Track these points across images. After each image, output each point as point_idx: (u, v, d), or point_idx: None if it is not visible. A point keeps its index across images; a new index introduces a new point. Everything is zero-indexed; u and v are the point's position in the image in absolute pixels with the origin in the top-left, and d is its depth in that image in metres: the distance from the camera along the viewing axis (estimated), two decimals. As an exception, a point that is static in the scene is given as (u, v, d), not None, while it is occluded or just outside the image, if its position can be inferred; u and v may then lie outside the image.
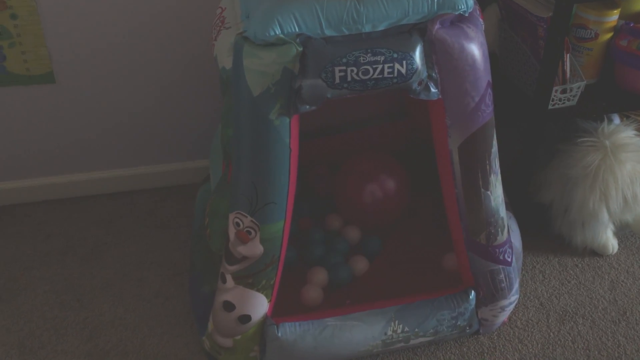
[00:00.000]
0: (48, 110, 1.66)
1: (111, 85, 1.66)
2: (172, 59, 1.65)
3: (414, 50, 1.05)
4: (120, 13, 1.56)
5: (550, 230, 1.61)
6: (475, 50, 1.09)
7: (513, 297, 1.35)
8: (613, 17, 1.45)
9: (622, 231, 1.64)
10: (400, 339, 1.30)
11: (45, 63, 1.57)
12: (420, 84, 1.09)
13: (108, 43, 1.59)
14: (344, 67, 1.04)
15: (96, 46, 1.59)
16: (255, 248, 1.17)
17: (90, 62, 1.61)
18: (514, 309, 1.45)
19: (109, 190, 1.82)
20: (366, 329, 1.28)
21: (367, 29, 1.05)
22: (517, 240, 1.41)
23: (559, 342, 1.41)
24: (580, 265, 1.59)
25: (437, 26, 1.06)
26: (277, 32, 1.03)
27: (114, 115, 1.71)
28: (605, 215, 1.51)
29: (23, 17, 1.50)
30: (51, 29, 1.54)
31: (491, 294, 1.31)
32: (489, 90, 1.15)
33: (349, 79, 1.05)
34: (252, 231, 1.16)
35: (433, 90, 1.10)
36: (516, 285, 1.34)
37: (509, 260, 1.30)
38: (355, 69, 1.04)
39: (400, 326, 1.29)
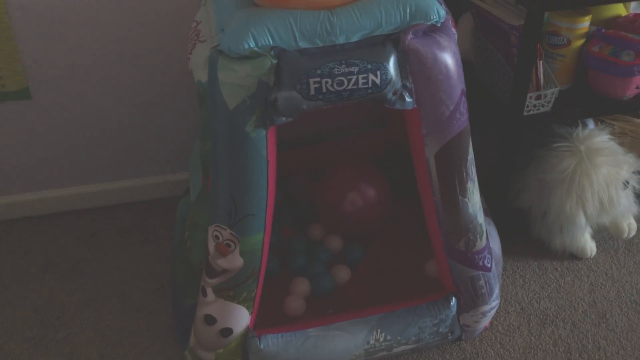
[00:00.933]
0: (24, 127, 1.65)
1: (88, 100, 1.65)
2: (149, 72, 1.65)
3: (387, 60, 1.06)
4: (95, 29, 1.55)
5: (530, 234, 1.63)
6: (449, 59, 1.11)
7: (494, 303, 1.36)
8: (584, 23, 1.47)
9: (600, 234, 1.67)
10: (382, 347, 1.30)
11: (20, 79, 1.56)
12: (395, 93, 1.10)
13: (84, 58, 1.59)
14: (318, 79, 1.04)
15: (72, 62, 1.58)
16: (235, 261, 1.17)
17: (66, 78, 1.60)
18: (495, 314, 1.46)
19: (88, 205, 1.80)
20: (349, 339, 1.28)
21: (341, 40, 1.06)
22: (496, 246, 1.43)
23: (540, 346, 1.42)
24: (559, 268, 1.61)
25: (410, 36, 1.08)
26: (252, 45, 1.03)
27: (92, 129, 1.70)
28: (582, 219, 1.53)
29: (-3, 33, 1.49)
30: (26, 45, 1.53)
31: (472, 300, 1.32)
32: (464, 99, 1.16)
33: (324, 90, 1.05)
34: (231, 244, 1.15)
35: (408, 99, 1.11)
36: (497, 291, 1.35)
37: (489, 266, 1.31)
38: (329, 80, 1.05)
39: (383, 335, 1.29)
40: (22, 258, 1.65)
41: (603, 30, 1.51)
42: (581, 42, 1.50)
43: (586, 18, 1.47)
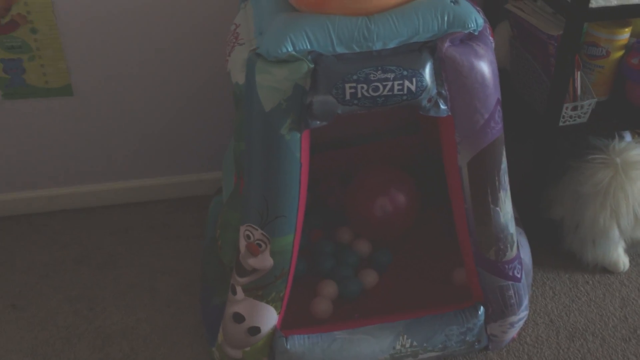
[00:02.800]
0: (65, 122, 1.70)
1: (128, 99, 1.69)
2: (188, 73, 1.68)
3: (423, 67, 1.07)
4: (138, 29, 1.59)
5: (561, 246, 1.61)
6: (485, 68, 1.11)
7: (522, 314, 1.34)
8: (624, 35, 1.46)
9: (633, 248, 1.64)
10: (408, 353, 1.30)
11: (63, 76, 1.61)
12: (429, 101, 1.10)
13: (125, 57, 1.63)
14: (354, 84, 1.05)
15: (113, 60, 1.62)
16: (265, 261, 1.18)
17: (107, 76, 1.64)
18: (523, 325, 1.45)
19: (123, 200, 1.85)
20: (375, 343, 1.28)
21: (378, 46, 1.07)
22: (527, 257, 1.41)
23: (568, 360, 1.41)
24: (590, 282, 1.59)
25: (447, 44, 1.08)
26: (289, 49, 1.05)
27: (130, 127, 1.74)
28: (616, 233, 1.51)
29: (43, 31, 1.54)
30: (70, 43, 1.57)
31: (500, 310, 1.31)
32: (498, 108, 1.16)
33: (359, 95, 1.06)
34: (262, 244, 1.17)
35: (442, 107, 1.11)
36: (526, 302, 1.34)
37: (519, 276, 1.30)
38: (365, 86, 1.06)
39: (409, 341, 1.29)
40: (58, 250, 1.70)
41: (643, 42, 1.49)
42: (620, 53, 1.48)
43: (626, 29, 1.45)
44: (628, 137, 1.59)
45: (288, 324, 1.30)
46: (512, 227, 1.26)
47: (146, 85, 1.68)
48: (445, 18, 1.08)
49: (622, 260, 1.59)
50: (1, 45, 1.53)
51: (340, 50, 1.06)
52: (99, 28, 1.57)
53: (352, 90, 1.06)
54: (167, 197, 1.86)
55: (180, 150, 1.81)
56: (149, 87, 1.69)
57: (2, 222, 1.78)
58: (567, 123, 1.46)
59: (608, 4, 1.32)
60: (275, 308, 1.24)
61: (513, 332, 1.37)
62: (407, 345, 1.29)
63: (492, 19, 1.43)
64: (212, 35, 1.62)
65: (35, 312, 1.52)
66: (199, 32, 1.62)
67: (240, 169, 1.22)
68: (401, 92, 1.07)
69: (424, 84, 1.08)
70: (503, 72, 1.36)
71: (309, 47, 1.05)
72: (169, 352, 1.43)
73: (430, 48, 1.07)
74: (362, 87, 1.05)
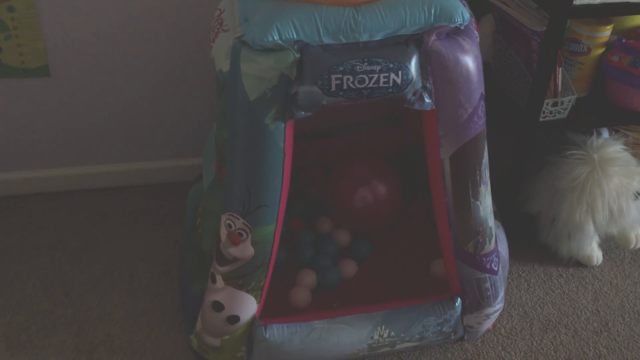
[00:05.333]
0: (42, 104, 1.66)
1: (106, 81, 1.66)
2: (168, 56, 1.66)
3: (409, 60, 1.07)
4: (117, 9, 1.56)
5: (537, 240, 1.64)
6: (470, 63, 1.11)
7: (498, 305, 1.37)
8: (606, 32, 1.47)
9: (607, 243, 1.67)
10: (386, 343, 1.31)
11: (40, 56, 1.57)
12: (414, 94, 1.10)
13: (104, 39, 1.60)
14: (340, 75, 1.05)
15: (92, 41, 1.59)
16: (246, 250, 1.18)
17: (85, 57, 1.61)
18: (498, 317, 1.47)
19: (101, 185, 1.82)
20: (353, 333, 1.29)
21: (365, 38, 1.06)
22: (504, 249, 1.43)
23: (541, 351, 1.43)
24: (564, 275, 1.62)
25: (433, 38, 1.08)
26: (276, 38, 1.04)
27: (108, 110, 1.71)
28: (591, 228, 1.53)
29: (20, 10, 1.50)
30: (48, 22, 1.54)
31: (477, 302, 1.33)
32: (482, 103, 1.16)
33: (345, 87, 1.06)
34: (243, 233, 1.17)
35: (427, 100, 1.12)
36: (501, 294, 1.36)
37: (496, 269, 1.32)
38: (351, 78, 1.05)
39: (387, 331, 1.30)
40: (33, 234, 1.67)
41: (624, 40, 1.51)
42: (601, 50, 1.50)
43: (608, 27, 1.47)
44: (606, 133, 1.62)
45: (266, 313, 1.30)
46: (491, 221, 1.28)
47: (125, 68, 1.65)
48: (432, 11, 1.08)
49: (596, 254, 1.63)
50: (-24, 23, 1.49)
51: (326, 40, 1.05)
52: (78, 8, 1.54)
53: (338, 82, 1.05)
54: (146, 183, 1.84)
55: (160, 135, 1.78)
56: (129, 70, 1.66)
57: (-25, 204, 1.75)
58: (547, 118, 1.47)
59: (592, 1, 1.33)
60: (255, 297, 1.24)
61: (488, 324, 1.40)
62: (385, 335, 1.30)
63: (476, 11, 1.43)
64: (194, 18, 1.60)
65: (9, 297, 1.50)
66: (181, 16, 1.60)
67: (221, 156, 1.21)
68: (387, 85, 1.07)
69: (409, 77, 1.08)
70: (486, 66, 1.37)
71: (295, 36, 1.04)
72: (146, 338, 1.42)
73: (416, 41, 1.07)
74: (348, 79, 1.05)
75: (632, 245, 1.63)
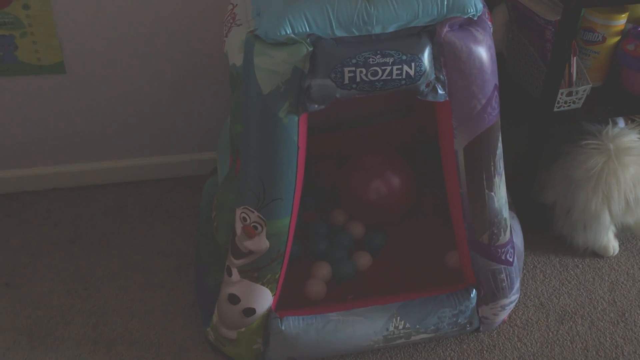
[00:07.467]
0: (58, 100, 1.68)
1: (121, 77, 1.67)
2: (183, 51, 1.66)
3: (422, 52, 1.07)
4: (132, 6, 1.57)
5: (552, 230, 1.63)
6: (483, 53, 1.11)
7: (513, 297, 1.36)
8: (621, 21, 1.46)
9: (623, 233, 1.66)
10: (401, 335, 1.32)
11: (56, 53, 1.59)
12: (428, 85, 1.10)
13: (119, 35, 1.61)
14: (353, 68, 1.05)
15: (107, 38, 1.60)
16: (261, 243, 1.19)
17: (100, 54, 1.62)
18: (514, 308, 1.47)
19: (117, 180, 1.84)
20: (368, 325, 1.30)
21: (377, 30, 1.06)
22: (519, 240, 1.43)
23: (557, 342, 1.43)
24: (580, 266, 1.61)
25: (446, 29, 1.07)
26: (288, 32, 1.04)
27: (123, 106, 1.73)
28: (607, 218, 1.52)
29: (35, 7, 1.51)
30: (63, 20, 1.55)
31: (492, 293, 1.33)
32: (496, 93, 1.16)
33: (358, 79, 1.06)
34: (258, 226, 1.18)
35: (440, 92, 1.11)
36: (517, 285, 1.36)
37: (511, 260, 1.32)
38: (364, 70, 1.05)
39: (402, 322, 1.31)
40: (50, 229, 1.69)
41: (639, 29, 1.49)
42: (616, 39, 1.48)
43: (622, 15, 1.45)
44: (621, 123, 1.61)
45: (282, 305, 1.31)
46: (505, 212, 1.27)
47: (140, 63, 1.66)
48: (445, 2, 1.07)
49: (612, 244, 1.62)
50: (-8, 21, 1.51)
51: (339, 33, 1.05)
52: (92, 5, 1.55)
53: (351, 74, 1.05)
54: (161, 177, 1.85)
55: (175, 129, 1.80)
56: (143, 65, 1.67)
57: (-6, 200, 1.77)
58: (562, 108, 1.46)
59: (606, -11, 1.32)
60: (271, 290, 1.25)
61: (504, 315, 1.40)
62: (400, 327, 1.31)
63: (489, 2, 1.42)
64: (208, 14, 1.60)
65: (29, 291, 1.52)
66: (195, 10, 1.60)
67: (236, 150, 1.21)
68: (400, 77, 1.07)
69: (422, 68, 1.07)
70: (499, 56, 1.36)
71: (308, 29, 1.05)
72: (164, 331, 1.44)
73: (429, 33, 1.07)
74: (361, 71, 1.05)
75: (649, 235, 1.62)
